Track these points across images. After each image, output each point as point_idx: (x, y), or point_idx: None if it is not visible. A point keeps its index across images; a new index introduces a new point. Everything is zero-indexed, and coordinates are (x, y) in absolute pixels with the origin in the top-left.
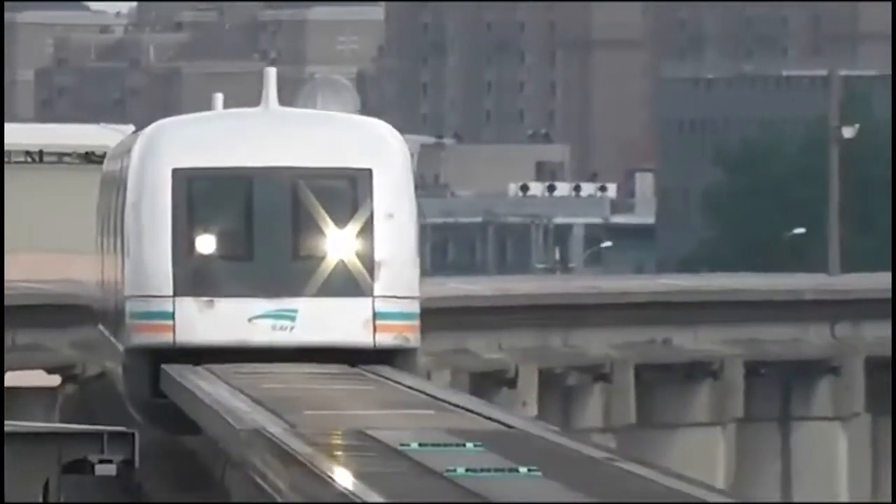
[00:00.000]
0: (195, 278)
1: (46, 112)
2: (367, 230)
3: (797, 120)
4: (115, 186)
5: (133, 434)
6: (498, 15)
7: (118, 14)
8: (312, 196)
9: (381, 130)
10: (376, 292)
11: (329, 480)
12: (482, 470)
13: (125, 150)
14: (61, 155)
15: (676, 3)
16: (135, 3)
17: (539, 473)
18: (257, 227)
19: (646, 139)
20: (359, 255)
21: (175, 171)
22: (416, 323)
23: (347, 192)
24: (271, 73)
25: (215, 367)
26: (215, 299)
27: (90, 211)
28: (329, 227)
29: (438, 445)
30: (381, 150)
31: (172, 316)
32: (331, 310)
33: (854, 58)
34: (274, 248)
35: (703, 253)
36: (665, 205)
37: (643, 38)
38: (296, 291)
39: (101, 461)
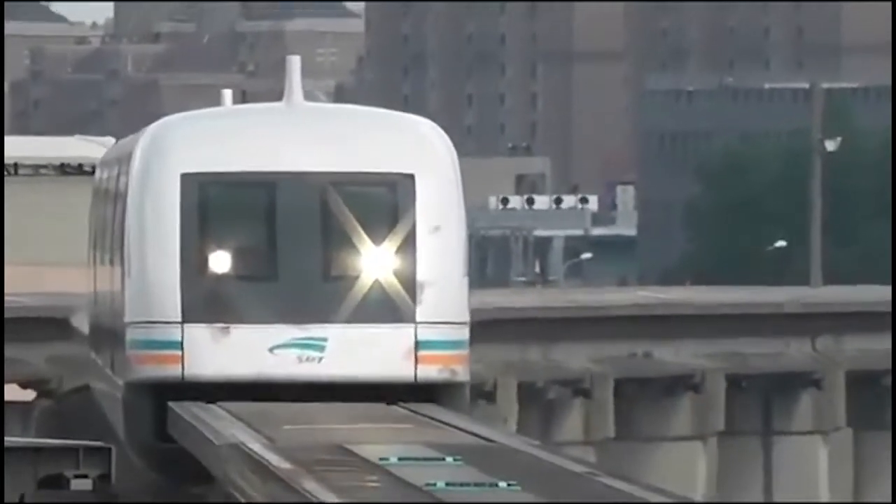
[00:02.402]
0: (208, 301)
1: (22, 124)
2: (409, 245)
3: (779, 132)
4: (112, 195)
5: (109, 449)
6: (479, 26)
7: (94, 25)
8: (345, 206)
9: (425, 130)
10: (419, 318)
11: (308, 495)
12: (462, 484)
13: (125, 152)
14: (37, 167)
15: (658, 14)
16: (111, 14)
17: (518, 488)
18: (281, 241)
19: (627, 151)
20: (399, 275)
21: (184, 177)
22: (465, 353)
23: (386, 201)
24: (295, 61)
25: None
26: (231, 326)
27: (67, 223)
28: (364, 243)
29: (418, 459)
30: (424, 152)
31: (181, 345)
32: (366, 338)
33: (836, 70)
34: (300, 267)
35: (684, 266)
36: (646, 217)
37: (625, 50)
38: (325, 317)
39: (77, 476)
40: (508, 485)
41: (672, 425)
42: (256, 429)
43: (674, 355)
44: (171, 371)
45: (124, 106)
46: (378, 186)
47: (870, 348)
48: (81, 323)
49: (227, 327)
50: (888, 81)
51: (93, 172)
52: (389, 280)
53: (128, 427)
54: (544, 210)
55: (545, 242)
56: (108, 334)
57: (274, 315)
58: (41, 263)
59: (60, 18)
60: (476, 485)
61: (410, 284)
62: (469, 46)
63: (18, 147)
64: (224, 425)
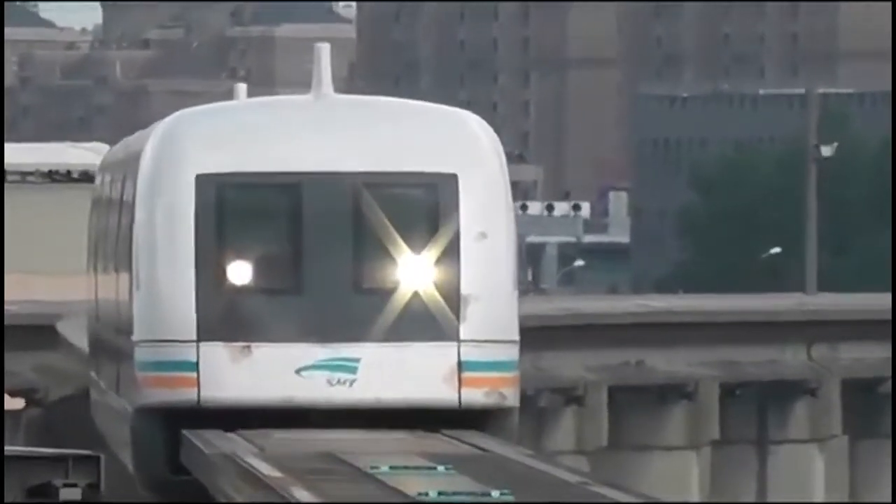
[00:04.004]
0: (226, 318)
1: (10, 131)
2: (452, 254)
3: (774, 139)
4: (117, 199)
5: (99, 457)
6: (471, 33)
7: (83, 31)
8: (380, 209)
9: (470, 124)
10: (463, 335)
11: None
12: (454, 493)
13: (132, 152)
14: (25, 174)
15: (652, 21)
16: (100, 20)
17: (511, 497)
18: (308, 250)
19: (621, 158)
20: (440, 288)
21: (200, 178)
22: (515, 375)
23: (426, 204)
24: (324, 50)
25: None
26: (252, 345)
27: (55, 231)
28: (401, 251)
29: (409, 468)
30: (469, 149)
31: (196, 367)
32: (403, 359)
33: (832, 76)
34: (330, 279)
35: (677, 273)
36: (639, 224)
37: (618, 56)
38: (358, 335)
39: (66, 485)
40: (501, 493)
41: (665, 434)
42: (247, 438)
43: (667, 363)
44: (186, 395)
45: (113, 112)
46: (417, 188)
47: (866, 356)
48: (65, 328)
49: (248, 346)
50: (884, 87)
51: (81, 179)
52: (430, 293)
53: (137, 458)
54: (537, 216)
55: (538, 249)
56: (113, 354)
57: (300, 333)
58: (28, 271)
59: (49, 24)
60: (468, 494)
61: (453, 298)
62: (461, 54)
63: (7, 154)
64: (221, 440)
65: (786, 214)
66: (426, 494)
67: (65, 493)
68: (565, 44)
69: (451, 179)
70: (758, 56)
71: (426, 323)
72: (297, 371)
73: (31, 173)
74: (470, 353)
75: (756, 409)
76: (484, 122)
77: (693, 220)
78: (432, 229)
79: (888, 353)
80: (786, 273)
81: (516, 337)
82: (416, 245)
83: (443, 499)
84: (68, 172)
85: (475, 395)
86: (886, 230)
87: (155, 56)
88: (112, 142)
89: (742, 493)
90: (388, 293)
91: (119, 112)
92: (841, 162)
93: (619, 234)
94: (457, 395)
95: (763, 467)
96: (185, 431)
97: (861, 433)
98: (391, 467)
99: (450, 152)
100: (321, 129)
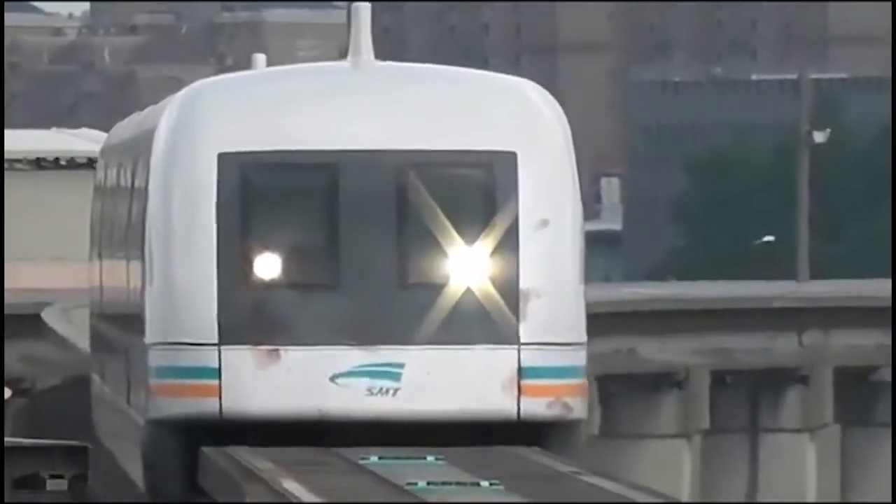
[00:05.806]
0: (252, 317)
1: None
2: (510, 244)
3: (767, 125)
4: (125, 183)
5: (86, 448)
6: (461, 18)
7: (71, 16)
8: (428, 193)
9: (530, 95)
10: (523, 337)
11: (287, 495)
12: (443, 483)
13: (144, 129)
14: (13, 161)
15: (644, 6)
16: (88, 6)
17: (501, 487)
18: (345, 240)
19: (613, 144)
20: (497, 283)
21: (223, 158)
22: (582, 383)
23: (480, 186)
24: (364, 9)
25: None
26: (282, 349)
27: (42, 218)
28: (452, 241)
29: (399, 459)
30: (530, 124)
31: (218, 373)
32: (454, 364)
33: (824, 61)
34: (370, 273)
35: (670, 260)
36: (632, 211)
37: (610, 42)
38: (402, 337)
39: (53, 476)
40: (490, 484)
41: (657, 423)
42: None
43: (658, 352)
44: (206, 406)
45: (101, 98)
46: (470, 168)
47: (858, 344)
48: (52, 317)
49: (277, 350)
50: (877, 72)
51: (69, 166)
52: (484, 289)
53: (149, 476)
54: None
55: None
56: (121, 357)
57: (336, 335)
58: (15, 259)
59: (35, 9)
60: (458, 484)
61: (512, 294)
62: (452, 38)
63: None
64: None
65: (779, 201)
66: (415, 485)
67: (51, 485)
68: (556, 28)
69: (510, 158)
70: (750, 41)
71: (480, 323)
72: (333, 378)
73: (18, 160)
74: (531, 358)
75: (747, 397)
76: (546, 93)
77: (686, 206)
78: (487, 216)
79: (881, 341)
80: (778, 260)
81: (583, 338)
82: (469, 234)
83: (432, 489)
84: (56, 159)
85: (536, 406)
86: (879, 217)
87: (143, 42)
88: (101, 128)
89: (733, 481)
90: (436, 289)
91: (107, 98)
92: (834, 146)
93: (611, 221)
94: (515, 406)
95: (754, 455)
96: (203, 449)
97: (853, 421)
98: (380, 458)
99: (508, 127)
100: (361, 100)
